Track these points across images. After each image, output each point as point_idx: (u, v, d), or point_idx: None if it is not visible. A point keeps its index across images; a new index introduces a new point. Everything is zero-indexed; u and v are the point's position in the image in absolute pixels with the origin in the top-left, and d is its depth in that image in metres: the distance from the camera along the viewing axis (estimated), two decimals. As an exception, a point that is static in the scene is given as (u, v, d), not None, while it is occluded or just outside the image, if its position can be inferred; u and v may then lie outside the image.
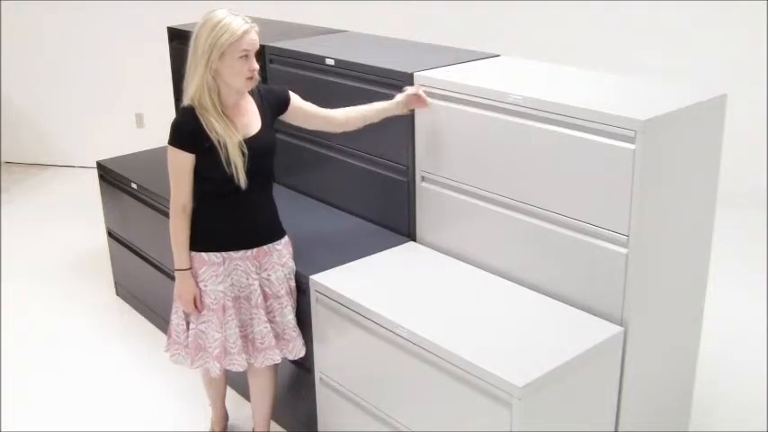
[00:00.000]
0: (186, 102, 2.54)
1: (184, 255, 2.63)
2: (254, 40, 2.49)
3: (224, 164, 2.51)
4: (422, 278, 2.80)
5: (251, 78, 2.51)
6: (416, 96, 2.78)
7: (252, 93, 2.65)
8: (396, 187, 3.08)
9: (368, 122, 2.85)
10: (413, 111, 2.88)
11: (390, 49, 3.36)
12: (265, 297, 2.72)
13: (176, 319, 2.76)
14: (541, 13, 5.45)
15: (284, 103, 2.74)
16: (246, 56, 2.47)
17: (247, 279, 2.67)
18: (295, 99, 2.77)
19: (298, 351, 2.81)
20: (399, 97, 2.81)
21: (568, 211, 2.50)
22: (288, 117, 2.78)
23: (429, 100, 2.79)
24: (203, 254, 2.64)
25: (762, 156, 5.28)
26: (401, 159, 3.02)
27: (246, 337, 2.74)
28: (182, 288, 2.65)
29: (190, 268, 2.64)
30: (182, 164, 2.54)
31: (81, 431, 3.22)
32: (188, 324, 2.74)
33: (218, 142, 2.50)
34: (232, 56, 2.46)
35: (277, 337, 2.76)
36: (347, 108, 2.85)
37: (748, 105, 4.95)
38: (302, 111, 2.79)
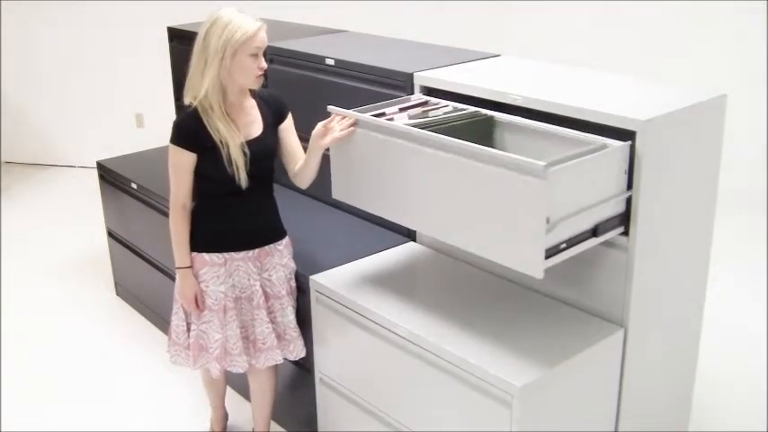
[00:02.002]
0: (189, 101, 2.54)
1: (185, 253, 2.63)
2: (264, 39, 2.51)
3: (225, 164, 2.51)
4: (422, 278, 2.80)
5: (260, 77, 2.52)
6: (326, 129, 2.57)
7: (254, 95, 2.65)
8: (396, 187, 3.08)
9: (311, 172, 2.68)
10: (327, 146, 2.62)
11: (390, 49, 3.36)
12: (266, 297, 2.72)
13: (176, 320, 2.76)
14: (541, 13, 5.46)
15: (282, 116, 2.70)
16: (258, 54, 2.49)
17: (249, 280, 2.67)
18: (289, 121, 2.73)
19: (298, 351, 2.81)
20: (314, 133, 2.61)
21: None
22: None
23: (342, 131, 2.52)
24: (204, 254, 2.64)
25: (762, 156, 5.28)
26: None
27: (247, 338, 2.74)
28: (183, 286, 2.65)
29: (190, 266, 2.64)
30: (183, 163, 2.54)
31: (81, 431, 3.22)
32: (188, 325, 2.74)
33: (221, 142, 2.50)
34: (244, 53, 2.47)
35: (278, 337, 2.76)
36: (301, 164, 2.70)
37: (748, 105, 4.95)
38: (285, 136, 2.70)
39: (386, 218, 2.56)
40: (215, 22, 2.46)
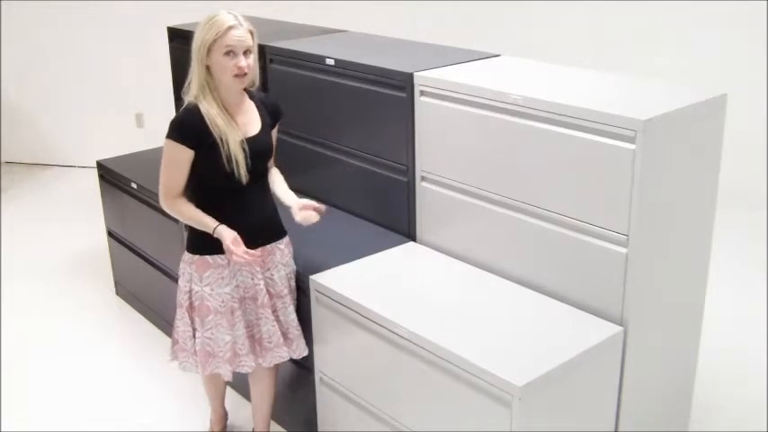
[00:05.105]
0: (190, 98, 2.55)
1: (206, 219, 2.56)
2: (239, 37, 2.47)
3: (224, 160, 2.51)
4: (422, 278, 2.80)
5: (239, 76, 2.50)
6: (307, 208, 2.66)
7: (252, 97, 2.66)
8: (396, 187, 3.08)
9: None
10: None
11: (390, 49, 3.36)
12: (269, 296, 2.71)
13: (182, 326, 2.72)
14: (541, 13, 5.45)
15: (276, 120, 2.75)
16: (232, 52, 2.47)
17: (253, 279, 2.67)
18: (276, 127, 2.77)
19: (301, 350, 2.81)
20: (295, 204, 2.68)
21: (568, 210, 2.50)
22: None
23: (316, 217, 2.67)
24: (207, 257, 2.62)
25: (762, 156, 5.28)
26: (401, 159, 3.02)
27: (253, 338, 2.73)
28: (226, 239, 2.52)
29: (219, 224, 2.55)
30: (180, 159, 2.53)
31: (81, 431, 3.22)
32: (194, 331, 2.72)
33: (220, 138, 2.50)
34: (217, 52, 2.48)
35: (283, 335, 2.76)
36: (273, 174, 2.80)
37: (748, 105, 4.95)
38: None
39: (473, 185, 2.78)
40: (200, 22, 2.51)
